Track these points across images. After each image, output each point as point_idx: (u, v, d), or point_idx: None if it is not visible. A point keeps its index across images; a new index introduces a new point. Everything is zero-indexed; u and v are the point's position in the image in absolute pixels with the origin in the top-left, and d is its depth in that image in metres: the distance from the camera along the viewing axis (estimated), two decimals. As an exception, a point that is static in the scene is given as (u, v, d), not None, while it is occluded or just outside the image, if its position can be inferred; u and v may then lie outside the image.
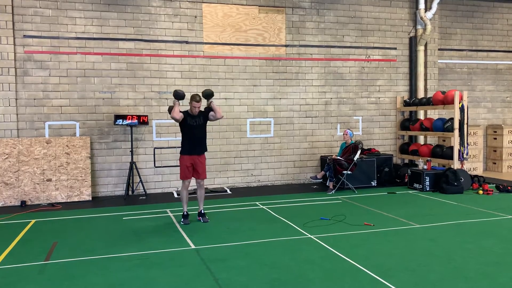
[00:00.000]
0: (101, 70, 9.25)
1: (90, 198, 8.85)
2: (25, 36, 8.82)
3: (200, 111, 6.99)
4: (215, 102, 9.90)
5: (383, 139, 11.32)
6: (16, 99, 8.78)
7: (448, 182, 9.08)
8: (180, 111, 6.81)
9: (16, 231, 6.53)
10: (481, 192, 8.97)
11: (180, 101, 6.85)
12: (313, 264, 4.97)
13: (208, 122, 7.06)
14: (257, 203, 8.38)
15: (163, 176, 9.69)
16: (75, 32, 9.09)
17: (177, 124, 7.04)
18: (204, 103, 6.98)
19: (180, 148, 7.00)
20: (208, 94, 6.96)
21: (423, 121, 10.50)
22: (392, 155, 10.85)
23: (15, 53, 8.74)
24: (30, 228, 6.76)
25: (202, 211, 7.11)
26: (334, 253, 5.34)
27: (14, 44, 8.73)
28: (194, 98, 6.79)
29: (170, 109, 6.89)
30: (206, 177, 7.08)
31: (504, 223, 6.66)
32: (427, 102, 10.34)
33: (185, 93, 7.01)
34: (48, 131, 8.99)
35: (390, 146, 11.39)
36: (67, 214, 7.68)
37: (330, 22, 10.73)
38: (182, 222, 6.91)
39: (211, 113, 6.96)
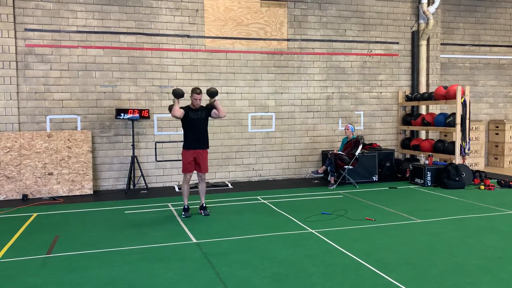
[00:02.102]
0: (102, 64, 9.24)
1: (92, 192, 8.87)
2: (26, 29, 8.80)
3: (202, 106, 7.01)
4: (217, 97, 9.93)
5: (384, 134, 11.30)
6: (18, 92, 8.77)
7: (449, 177, 9.07)
8: (181, 107, 6.84)
9: (18, 225, 6.55)
10: (482, 187, 8.96)
11: (179, 99, 6.83)
12: (314, 258, 4.97)
13: (210, 118, 7.10)
14: (258, 197, 8.38)
15: (164, 170, 9.69)
16: (76, 26, 9.07)
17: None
18: (205, 97, 6.99)
19: (183, 143, 7.00)
20: (212, 93, 6.97)
21: (425, 116, 10.48)
22: (394, 150, 10.83)
23: (16, 47, 8.72)
24: (32, 221, 6.78)
25: (204, 205, 7.13)
26: (335, 247, 5.34)
27: (15, 38, 8.71)
28: (195, 90, 6.86)
29: (171, 108, 6.90)
30: (208, 171, 7.09)
31: (506, 219, 6.65)
32: (429, 97, 10.31)
33: (184, 92, 6.95)
34: (49, 125, 8.99)
35: (391, 141, 11.37)
36: (68, 208, 7.69)
37: (332, 16, 10.68)
38: (183, 215, 6.93)
39: (214, 111, 7.01)
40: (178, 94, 6.79)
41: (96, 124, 9.24)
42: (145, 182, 9.24)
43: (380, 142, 11.18)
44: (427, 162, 9.67)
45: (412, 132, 11.35)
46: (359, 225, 6.34)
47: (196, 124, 6.90)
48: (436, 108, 11.30)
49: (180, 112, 6.78)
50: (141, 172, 9.19)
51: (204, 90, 9.67)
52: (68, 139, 8.85)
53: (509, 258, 4.94)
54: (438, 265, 4.72)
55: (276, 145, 10.47)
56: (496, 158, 12.13)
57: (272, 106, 10.38)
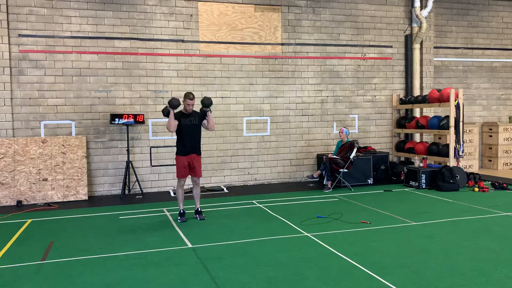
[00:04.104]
0: (97, 69, 9.23)
1: (87, 198, 8.83)
2: (20, 35, 8.78)
3: (195, 111, 7.00)
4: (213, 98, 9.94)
5: (379, 137, 11.35)
6: (12, 98, 8.74)
7: (444, 179, 9.11)
8: (175, 116, 6.82)
9: (12, 231, 6.51)
10: (476, 189, 9.01)
11: (175, 109, 6.77)
12: (310, 262, 4.98)
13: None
14: (254, 201, 8.38)
15: (159, 175, 9.68)
16: (71, 31, 9.06)
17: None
18: (198, 101, 6.99)
19: (176, 149, 7.00)
20: (207, 104, 6.89)
21: (419, 119, 10.53)
22: (388, 153, 10.87)
23: (10, 53, 8.70)
24: (26, 228, 6.74)
25: (199, 209, 7.13)
26: (331, 251, 5.35)
27: (9, 43, 8.68)
28: (188, 96, 6.81)
29: (164, 112, 6.86)
30: (202, 176, 7.09)
31: (500, 220, 6.69)
32: (423, 100, 10.37)
33: (179, 101, 6.81)
34: (43, 131, 8.96)
35: (386, 144, 11.42)
36: (63, 214, 7.65)
37: (326, 21, 10.74)
38: (179, 220, 6.92)
39: (204, 121, 6.99)
40: (173, 104, 6.69)
41: (91, 130, 9.22)
42: (140, 187, 9.21)
43: (375, 145, 11.22)
44: (421, 164, 9.71)
45: (406, 135, 11.40)
46: (354, 228, 6.36)
47: (189, 130, 6.87)
48: (430, 111, 11.36)
49: (174, 125, 6.74)
50: (136, 177, 9.17)
51: (198, 94, 9.74)
52: (63, 145, 8.82)
53: (503, 259, 4.96)
54: (433, 268, 4.74)
55: (271, 149, 10.49)
56: (490, 160, 12.20)
57: (267, 110, 10.40)
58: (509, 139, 12.01)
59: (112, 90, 9.33)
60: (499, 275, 4.52)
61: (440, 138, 11.29)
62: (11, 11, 8.70)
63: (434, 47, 11.63)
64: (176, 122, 6.76)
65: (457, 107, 9.50)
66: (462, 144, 9.59)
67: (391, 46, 11.25)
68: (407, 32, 11.33)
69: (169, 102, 6.72)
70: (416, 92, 11.26)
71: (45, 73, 8.95)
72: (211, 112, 6.99)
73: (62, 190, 8.71)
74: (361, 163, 9.98)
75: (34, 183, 8.58)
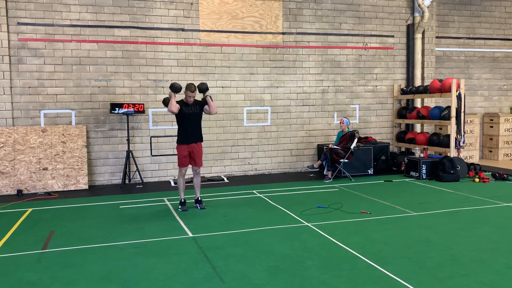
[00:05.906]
0: (97, 58, 9.17)
1: (87, 187, 8.83)
2: (19, 23, 8.71)
3: (196, 100, 7.00)
4: (212, 91, 9.89)
5: (380, 127, 11.32)
6: (11, 87, 8.70)
7: (444, 170, 9.10)
8: (176, 102, 6.82)
9: (13, 220, 6.52)
10: (477, 180, 9.01)
11: (176, 93, 6.81)
12: (310, 251, 4.99)
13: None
14: (254, 191, 8.38)
15: (159, 164, 9.67)
16: (70, 20, 8.99)
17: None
18: (200, 94, 7.00)
19: (177, 138, 7.01)
20: (203, 89, 6.95)
21: (420, 109, 10.49)
22: (389, 143, 10.85)
23: (9, 41, 8.63)
24: (26, 217, 6.75)
25: (199, 198, 7.15)
26: (331, 240, 5.36)
27: (8, 32, 8.62)
28: (189, 88, 6.82)
29: (165, 101, 6.92)
30: (202, 165, 7.11)
31: (500, 211, 6.69)
32: (424, 90, 10.33)
33: (181, 86, 6.93)
34: (43, 120, 8.93)
35: (387, 134, 11.39)
36: (63, 203, 7.66)
37: (328, 10, 10.65)
38: (180, 209, 6.93)
39: (206, 106, 7.00)
40: (175, 88, 6.78)
41: (91, 119, 9.19)
42: (141, 177, 9.21)
43: (375, 136, 11.19)
44: (422, 155, 9.70)
45: (407, 125, 11.37)
46: (354, 218, 6.36)
47: (190, 118, 6.90)
48: (431, 102, 11.31)
49: (176, 108, 6.77)
50: (137, 166, 9.16)
51: (198, 83, 9.68)
52: (63, 134, 8.80)
53: (503, 250, 4.97)
54: (434, 258, 4.74)
55: (271, 139, 10.46)
56: (491, 151, 12.19)
57: (267, 100, 10.36)
58: (510, 130, 11.99)
59: (112, 79, 9.29)
60: (500, 265, 4.53)
61: (441, 129, 11.26)
62: (10, -1, 8.63)
63: (436, 37, 11.55)
64: (178, 106, 6.77)
65: (459, 97, 9.46)
66: (463, 135, 9.57)
67: (392, 36, 11.17)
68: (409, 22, 11.25)
69: (171, 86, 6.78)
70: (418, 82, 11.21)
71: (45, 62, 8.89)
72: (211, 98, 6.98)
73: (63, 179, 8.71)
74: (362, 153, 9.97)
75: (34, 172, 8.58)
